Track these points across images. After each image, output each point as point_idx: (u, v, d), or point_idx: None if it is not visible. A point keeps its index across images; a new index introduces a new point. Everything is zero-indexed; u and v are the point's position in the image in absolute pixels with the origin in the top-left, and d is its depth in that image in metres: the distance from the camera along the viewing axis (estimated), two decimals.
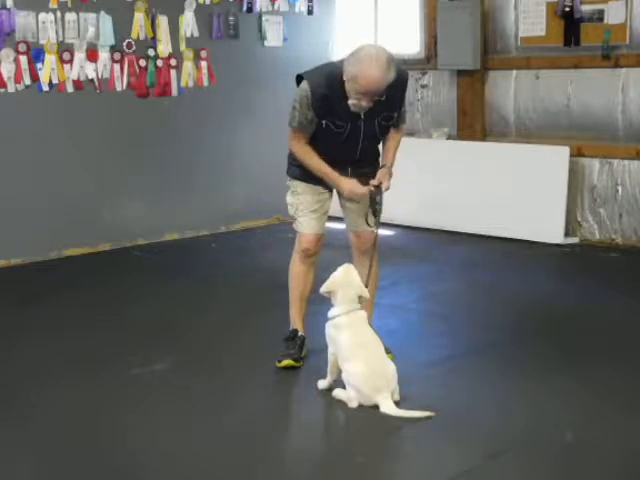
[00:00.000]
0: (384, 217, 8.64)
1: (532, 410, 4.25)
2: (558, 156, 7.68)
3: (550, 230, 7.68)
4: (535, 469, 3.70)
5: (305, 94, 4.52)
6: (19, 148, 7.19)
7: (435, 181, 8.38)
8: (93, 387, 4.61)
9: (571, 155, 7.65)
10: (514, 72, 8.15)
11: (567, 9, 7.58)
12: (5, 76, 7.00)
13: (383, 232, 8.17)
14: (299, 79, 4.60)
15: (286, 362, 4.76)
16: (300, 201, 4.80)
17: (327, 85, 4.52)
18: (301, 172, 4.76)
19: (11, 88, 7.06)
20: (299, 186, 4.80)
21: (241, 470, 3.74)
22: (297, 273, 4.86)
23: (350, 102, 4.49)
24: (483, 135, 8.41)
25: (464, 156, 8.29)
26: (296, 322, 4.90)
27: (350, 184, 4.67)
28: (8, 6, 6.95)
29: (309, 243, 4.81)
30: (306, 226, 4.81)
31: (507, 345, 5.19)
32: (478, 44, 8.18)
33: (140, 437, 4.04)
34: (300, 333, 4.89)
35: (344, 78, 4.46)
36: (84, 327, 5.60)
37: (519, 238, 7.75)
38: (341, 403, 4.29)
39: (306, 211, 4.80)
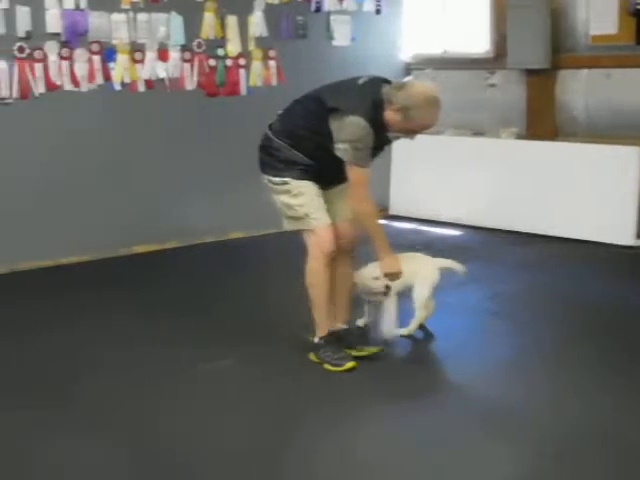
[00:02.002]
0: (451, 217, 8.67)
1: (594, 411, 4.21)
2: (629, 156, 7.56)
3: (621, 231, 7.56)
4: (597, 471, 3.66)
5: (367, 131, 4.50)
6: (92, 147, 7.32)
7: (503, 181, 8.32)
8: (160, 381, 4.69)
9: None
10: (584, 71, 8.04)
11: (638, 7, 7.45)
12: (78, 75, 7.14)
13: (451, 232, 8.21)
14: (333, 110, 4.55)
15: (351, 364, 4.75)
16: (308, 198, 4.71)
17: (376, 118, 4.54)
18: (301, 172, 4.70)
19: (84, 87, 7.20)
20: (301, 186, 4.71)
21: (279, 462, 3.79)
22: (322, 278, 4.75)
23: (395, 134, 4.63)
24: (553, 135, 8.32)
25: (533, 156, 8.21)
26: (327, 325, 4.86)
27: (395, 265, 4.75)
28: (82, 7, 7.09)
29: (331, 239, 4.71)
30: (322, 220, 4.71)
31: (569, 347, 5.14)
32: (548, 43, 8.09)
33: (197, 431, 4.10)
34: (339, 328, 4.92)
35: (395, 115, 4.53)
36: (149, 322, 5.70)
37: (589, 239, 7.65)
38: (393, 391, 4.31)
39: (317, 205, 4.72)
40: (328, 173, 4.76)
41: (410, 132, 4.63)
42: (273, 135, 4.79)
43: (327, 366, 4.78)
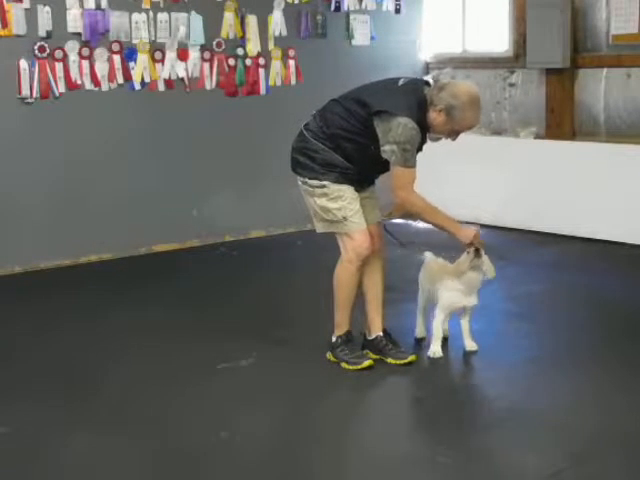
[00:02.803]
0: (469, 216, 8.63)
1: (614, 413, 4.20)
2: None
3: None
4: (620, 473, 3.65)
5: (415, 132, 4.47)
6: (112, 146, 7.36)
7: (522, 181, 8.29)
8: (179, 379, 4.71)
9: None
10: (605, 70, 8.01)
11: None
12: (99, 75, 7.18)
13: None
14: (380, 112, 4.50)
15: (368, 362, 4.76)
16: (347, 202, 4.66)
17: (421, 119, 4.52)
18: (339, 175, 4.65)
19: (104, 87, 7.23)
20: (340, 189, 4.65)
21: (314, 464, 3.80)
22: (352, 281, 4.75)
23: (436, 136, 4.62)
24: (572, 135, 8.29)
25: (552, 156, 8.18)
26: (346, 325, 4.85)
27: (469, 232, 4.74)
28: (103, 7, 7.13)
29: (366, 245, 4.69)
30: (360, 223, 4.68)
31: (590, 348, 5.12)
32: (568, 42, 8.05)
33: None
34: (377, 335, 4.91)
35: (438, 116, 4.52)
36: (168, 321, 5.72)
37: (608, 239, 7.62)
38: (420, 401, 4.30)
39: (355, 209, 4.68)
40: (365, 175, 4.76)
41: (452, 133, 4.61)
42: (311, 136, 4.72)
43: (344, 365, 4.79)
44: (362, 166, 4.67)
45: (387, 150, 4.49)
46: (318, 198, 4.70)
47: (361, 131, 4.58)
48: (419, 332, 5.20)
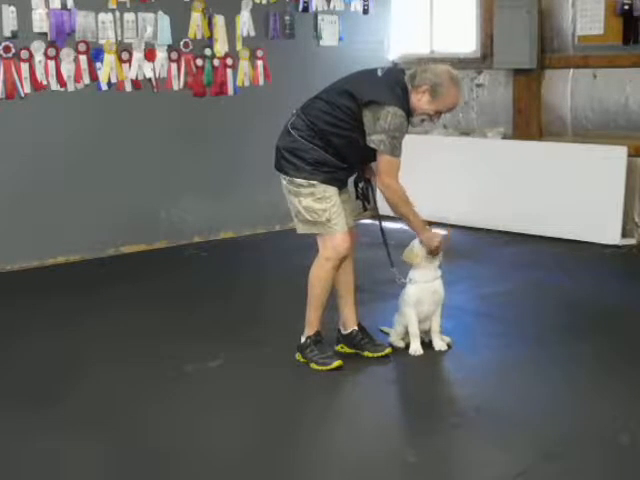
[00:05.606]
0: (438, 216, 8.65)
1: (585, 411, 4.23)
2: (615, 156, 7.59)
3: (607, 231, 7.59)
4: (590, 471, 3.67)
5: (404, 119, 4.54)
6: (78, 147, 7.30)
7: (489, 181, 8.33)
8: (149, 381, 4.68)
9: (629, 155, 7.55)
10: (571, 71, 8.06)
11: (626, 7, 7.48)
12: (65, 75, 7.12)
13: (438, 231, 8.21)
14: (369, 103, 4.53)
15: (337, 363, 4.75)
16: (332, 204, 4.67)
17: (406, 106, 4.58)
18: (328, 175, 4.66)
19: (71, 87, 7.18)
20: (327, 190, 4.66)
21: (287, 466, 3.79)
22: (328, 279, 4.74)
23: (418, 119, 4.68)
24: (539, 135, 8.34)
25: (519, 156, 8.23)
26: (316, 325, 4.84)
27: (432, 234, 4.87)
28: (69, 6, 7.07)
29: (346, 244, 4.72)
30: (341, 226, 4.71)
31: (560, 347, 5.15)
32: (535, 43, 8.11)
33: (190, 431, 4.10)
34: (352, 330, 4.94)
35: (423, 96, 4.58)
36: (137, 322, 5.68)
37: (575, 239, 7.67)
38: (393, 401, 4.31)
39: (338, 212, 4.70)
40: (351, 172, 4.79)
41: (435, 113, 4.65)
42: (299, 136, 4.67)
43: (313, 365, 4.78)
44: (351, 162, 4.70)
45: (375, 140, 4.52)
46: (304, 198, 4.68)
47: (348, 125, 4.58)
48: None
